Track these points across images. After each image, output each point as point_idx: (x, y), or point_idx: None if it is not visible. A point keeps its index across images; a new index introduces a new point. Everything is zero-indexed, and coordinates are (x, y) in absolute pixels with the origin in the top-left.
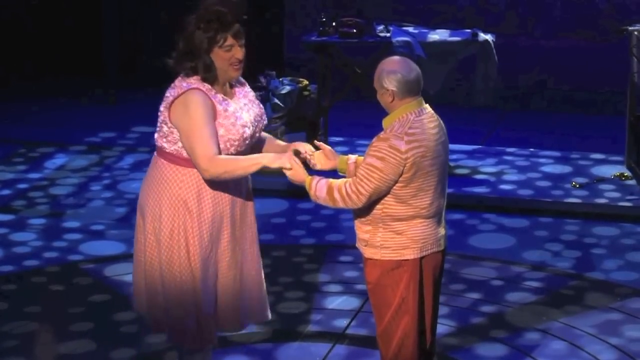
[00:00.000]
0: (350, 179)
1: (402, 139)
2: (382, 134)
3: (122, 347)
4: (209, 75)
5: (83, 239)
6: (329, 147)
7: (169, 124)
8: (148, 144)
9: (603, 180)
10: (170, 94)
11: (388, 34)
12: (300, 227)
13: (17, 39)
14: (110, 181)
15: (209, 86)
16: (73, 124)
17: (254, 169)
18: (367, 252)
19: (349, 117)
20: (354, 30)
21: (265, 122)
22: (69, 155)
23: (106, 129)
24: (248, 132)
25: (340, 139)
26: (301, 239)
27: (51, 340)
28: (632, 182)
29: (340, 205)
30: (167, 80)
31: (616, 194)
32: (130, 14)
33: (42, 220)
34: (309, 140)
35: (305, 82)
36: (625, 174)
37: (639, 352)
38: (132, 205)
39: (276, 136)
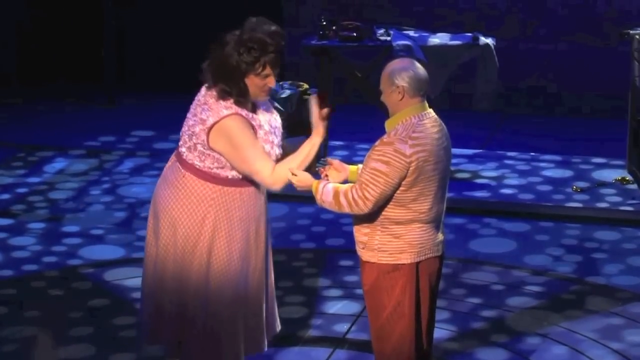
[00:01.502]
0: (355, 184)
1: (407, 142)
2: (385, 138)
3: (122, 351)
4: (243, 100)
5: (82, 243)
6: (338, 160)
7: (207, 147)
8: (148, 148)
9: (604, 184)
10: (206, 116)
11: (388, 38)
12: (300, 231)
13: (18, 43)
14: (109, 185)
15: (246, 111)
16: (72, 128)
17: (311, 157)
18: (365, 255)
19: (350, 121)
20: (354, 34)
21: (281, 132)
22: (68, 160)
23: (106, 133)
24: (275, 154)
25: (341, 143)
26: (301, 243)
27: (50, 345)
28: (634, 186)
29: (346, 210)
30: (167, 84)
31: (617, 199)
32: (130, 18)
33: (41, 225)
34: None
35: (306, 85)
36: (627, 178)
37: None
38: (132, 209)
39: None
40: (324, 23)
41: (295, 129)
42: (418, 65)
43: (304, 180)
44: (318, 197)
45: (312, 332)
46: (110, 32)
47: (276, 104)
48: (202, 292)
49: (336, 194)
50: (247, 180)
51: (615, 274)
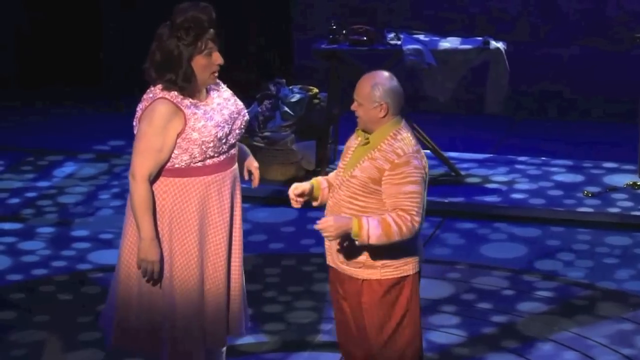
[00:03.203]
0: (397, 211)
1: (417, 157)
2: (396, 160)
3: (130, 357)
4: (188, 86)
5: (92, 247)
6: (302, 185)
7: None
8: None
9: (615, 189)
10: (139, 107)
11: (399, 42)
12: (310, 235)
13: (16, 46)
14: (119, 190)
15: (176, 92)
16: (82, 132)
17: (141, 224)
18: (364, 274)
19: None
20: (365, 38)
21: (246, 117)
22: (77, 164)
23: (115, 137)
24: (221, 132)
25: None
26: (311, 247)
27: (60, 350)
28: None
29: (396, 239)
30: None
31: (629, 203)
32: (134, 21)
33: (50, 229)
34: (319, 148)
35: (315, 90)
36: (638, 183)
37: None
38: None
39: (286, 145)
40: (334, 27)
41: (305, 133)
42: (397, 80)
43: (340, 223)
44: (364, 233)
45: (321, 337)
46: (111, 35)
47: (285, 108)
48: (166, 290)
49: (385, 225)
50: (202, 169)
51: (626, 279)
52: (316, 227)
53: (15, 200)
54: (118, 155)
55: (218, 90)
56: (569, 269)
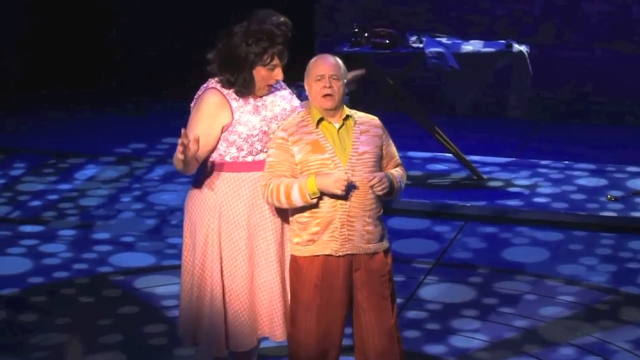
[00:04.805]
0: (399, 168)
1: None
2: (380, 124)
3: (152, 359)
4: (244, 90)
5: (113, 250)
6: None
7: None
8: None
9: (639, 193)
10: (196, 95)
11: (421, 45)
12: None
13: (18, 49)
14: (140, 192)
15: (243, 96)
16: (103, 135)
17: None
18: (385, 243)
19: None
20: (387, 41)
21: None
22: (99, 167)
23: (136, 140)
24: (267, 127)
25: None
26: None
27: (80, 353)
28: None
29: (403, 188)
30: (193, 90)
31: None
32: (154, 24)
33: (71, 232)
34: None
35: None
36: None
37: None
38: (162, 216)
39: None
40: (357, 30)
41: None
42: None
43: (383, 175)
44: (396, 183)
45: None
46: (114, 37)
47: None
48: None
49: (401, 177)
50: (253, 165)
51: None
52: (373, 181)
53: (36, 203)
54: (139, 158)
55: (275, 88)
56: (592, 274)
